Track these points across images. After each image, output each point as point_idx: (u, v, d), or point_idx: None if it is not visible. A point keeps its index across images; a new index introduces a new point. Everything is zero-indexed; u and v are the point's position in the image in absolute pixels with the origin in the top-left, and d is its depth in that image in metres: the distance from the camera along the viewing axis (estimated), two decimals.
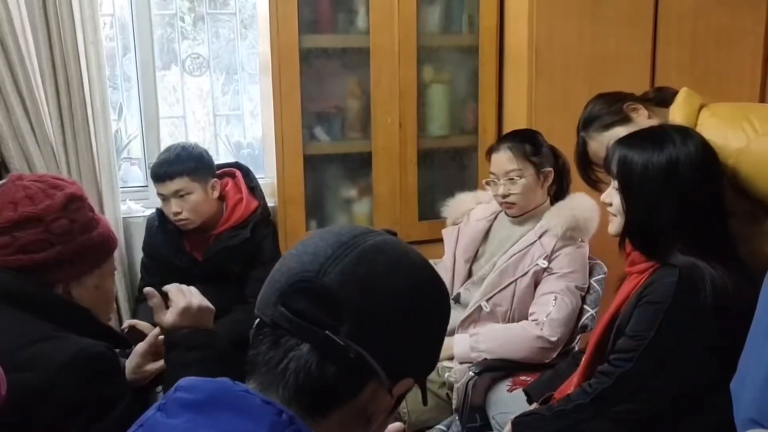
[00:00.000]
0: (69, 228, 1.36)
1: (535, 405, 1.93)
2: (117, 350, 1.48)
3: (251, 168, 2.65)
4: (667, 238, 1.60)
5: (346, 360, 0.79)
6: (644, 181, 1.60)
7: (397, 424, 1.19)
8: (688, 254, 1.56)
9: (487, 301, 2.26)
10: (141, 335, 2.03)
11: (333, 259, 0.82)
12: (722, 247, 1.59)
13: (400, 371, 0.84)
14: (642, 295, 1.61)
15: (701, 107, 1.79)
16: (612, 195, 1.70)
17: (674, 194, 1.58)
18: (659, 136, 1.64)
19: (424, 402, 0.94)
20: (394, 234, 0.91)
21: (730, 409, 1.32)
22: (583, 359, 1.80)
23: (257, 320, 0.86)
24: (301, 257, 0.84)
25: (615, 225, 1.70)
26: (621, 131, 1.84)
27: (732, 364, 1.37)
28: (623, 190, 1.65)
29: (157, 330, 1.61)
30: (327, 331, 0.79)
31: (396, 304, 0.83)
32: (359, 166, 2.88)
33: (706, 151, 1.61)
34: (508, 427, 1.78)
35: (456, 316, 2.34)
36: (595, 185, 1.99)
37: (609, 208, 1.72)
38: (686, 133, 1.63)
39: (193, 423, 0.77)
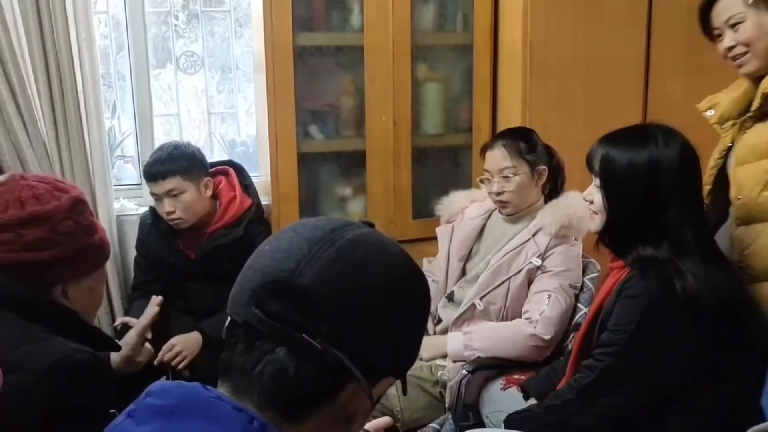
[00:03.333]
0: (73, 229, 1.39)
1: (531, 401, 1.94)
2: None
3: (246, 166, 2.64)
4: (643, 236, 1.62)
5: (325, 364, 0.75)
6: (627, 180, 1.62)
7: (386, 418, 1.17)
8: (664, 251, 1.58)
9: (481, 299, 2.26)
10: None
11: (309, 257, 0.78)
12: (699, 244, 1.60)
13: (380, 371, 0.81)
14: (622, 289, 1.62)
15: None
16: (593, 193, 1.71)
17: (653, 194, 1.60)
18: (643, 135, 1.65)
19: (404, 392, 0.91)
20: (372, 225, 0.87)
21: (714, 405, 1.32)
22: (571, 355, 1.81)
23: (228, 320, 0.82)
24: (275, 254, 0.81)
25: (596, 222, 1.73)
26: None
27: (714, 358, 1.38)
28: (605, 189, 1.67)
29: (155, 309, 1.80)
30: (304, 335, 0.75)
31: (375, 304, 0.79)
32: (353, 164, 2.87)
33: (686, 153, 1.62)
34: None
35: (449, 314, 2.33)
36: (709, 34, 1.85)
37: (590, 206, 1.74)
38: (669, 133, 1.64)
39: (162, 430, 0.75)
